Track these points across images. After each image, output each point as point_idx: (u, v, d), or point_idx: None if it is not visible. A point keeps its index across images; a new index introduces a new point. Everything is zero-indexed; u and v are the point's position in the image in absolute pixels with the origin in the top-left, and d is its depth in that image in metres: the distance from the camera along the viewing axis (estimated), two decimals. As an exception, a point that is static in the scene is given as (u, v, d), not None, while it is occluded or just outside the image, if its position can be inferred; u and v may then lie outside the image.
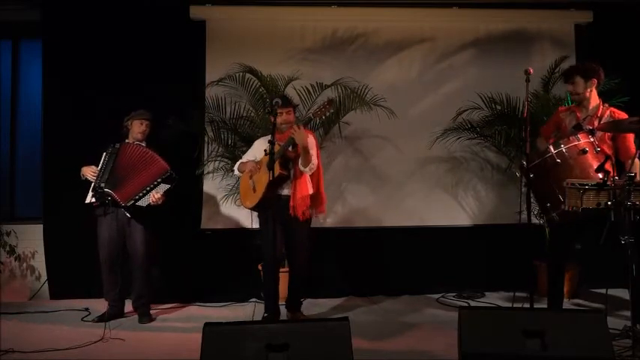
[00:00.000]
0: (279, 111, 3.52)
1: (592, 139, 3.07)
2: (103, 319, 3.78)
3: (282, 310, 3.80)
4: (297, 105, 3.99)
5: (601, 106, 3.37)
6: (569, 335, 2.33)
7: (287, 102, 3.72)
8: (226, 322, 2.20)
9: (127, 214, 3.75)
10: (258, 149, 3.81)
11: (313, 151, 3.62)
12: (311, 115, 3.57)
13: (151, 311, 3.96)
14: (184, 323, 3.82)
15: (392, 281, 4.63)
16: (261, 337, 2.09)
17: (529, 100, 3.40)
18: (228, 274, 4.48)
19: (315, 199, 3.71)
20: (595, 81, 3.36)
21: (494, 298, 4.43)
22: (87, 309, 4.11)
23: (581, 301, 4.30)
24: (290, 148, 3.58)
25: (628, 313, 3.01)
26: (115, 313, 3.86)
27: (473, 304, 4.30)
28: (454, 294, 4.53)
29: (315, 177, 3.72)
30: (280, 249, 3.75)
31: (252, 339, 2.08)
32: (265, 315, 3.64)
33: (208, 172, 4.64)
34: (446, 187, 4.88)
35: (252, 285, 4.30)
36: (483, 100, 4.67)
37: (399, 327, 3.66)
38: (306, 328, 2.26)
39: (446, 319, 3.71)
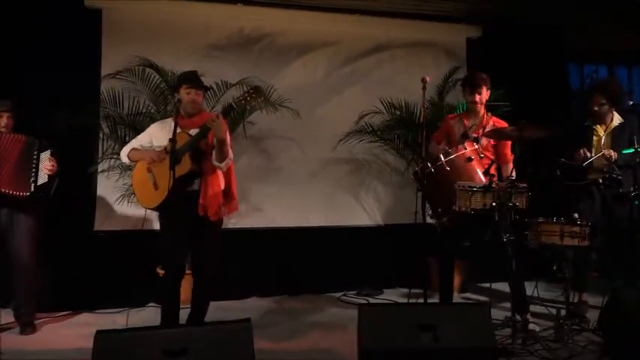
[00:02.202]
0: (187, 89, 3.19)
1: (477, 147, 3.31)
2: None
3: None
4: (209, 88, 3.56)
5: (485, 116, 3.64)
6: (458, 327, 2.49)
7: (198, 81, 3.30)
8: (120, 329, 2.08)
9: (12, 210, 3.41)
10: (156, 135, 3.31)
11: (229, 144, 3.26)
12: (233, 103, 3.16)
13: (37, 321, 3.62)
14: (74, 333, 3.54)
15: (295, 281, 4.66)
16: (158, 343, 2.00)
17: (425, 106, 3.59)
18: (124, 279, 4.21)
19: (226, 196, 3.27)
20: (489, 92, 3.64)
21: (392, 295, 4.61)
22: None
23: (469, 295, 4.62)
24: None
25: (509, 305, 3.27)
26: None
27: (372, 301, 4.45)
28: (355, 292, 4.65)
29: (227, 171, 3.32)
30: (186, 255, 3.38)
31: (147, 345, 1.98)
32: (163, 320, 3.28)
33: (103, 171, 4.36)
34: (348, 189, 5.01)
35: (150, 289, 4.11)
36: (384, 105, 4.87)
37: (301, 326, 3.68)
38: (207, 331, 2.20)
39: (347, 317, 3.77)
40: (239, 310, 4.13)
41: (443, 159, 3.18)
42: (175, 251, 3.14)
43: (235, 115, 4.44)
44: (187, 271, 3.63)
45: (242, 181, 4.71)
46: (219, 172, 3.23)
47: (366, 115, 4.81)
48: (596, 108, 3.80)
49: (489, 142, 3.55)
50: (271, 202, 4.79)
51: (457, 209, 3.11)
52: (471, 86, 3.59)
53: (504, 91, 4.59)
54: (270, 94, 4.45)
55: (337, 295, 4.59)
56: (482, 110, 3.63)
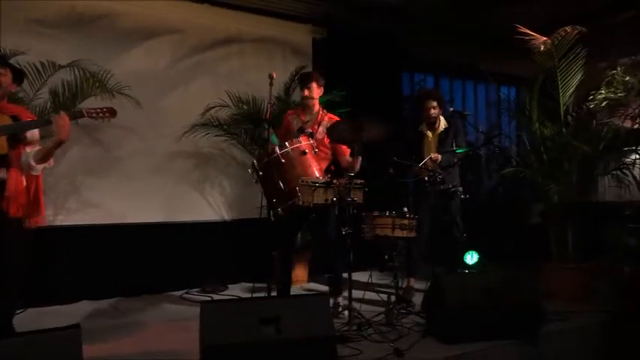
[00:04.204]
0: None
1: (311, 142, 3.44)
2: None
3: None
4: (17, 68, 3.06)
5: (320, 112, 3.83)
6: (299, 318, 2.58)
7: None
8: None
9: None
10: None
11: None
12: (84, 110, 2.91)
13: None
14: None
15: (133, 281, 4.40)
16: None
17: (272, 102, 3.65)
18: None
19: (34, 204, 2.95)
20: (322, 89, 3.81)
21: (236, 290, 4.61)
22: None
23: (312, 286, 4.82)
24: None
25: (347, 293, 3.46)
26: None
27: (216, 297, 4.39)
28: (198, 289, 4.56)
29: (36, 177, 2.97)
30: None
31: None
32: None
33: None
34: (192, 183, 4.89)
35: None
36: (231, 99, 4.83)
37: (138, 328, 3.51)
38: (24, 342, 1.96)
39: (189, 315, 3.68)
40: (68, 315, 3.76)
41: (278, 151, 3.26)
42: None
43: (65, 100, 4.04)
44: None
45: (73, 173, 4.34)
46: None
47: (213, 108, 4.74)
48: (431, 112, 4.22)
49: (325, 137, 3.73)
50: (108, 196, 4.45)
51: (301, 203, 3.21)
52: (301, 82, 3.81)
53: (346, 92, 4.85)
54: (107, 79, 4.14)
55: (179, 293, 4.45)
56: (316, 107, 3.81)
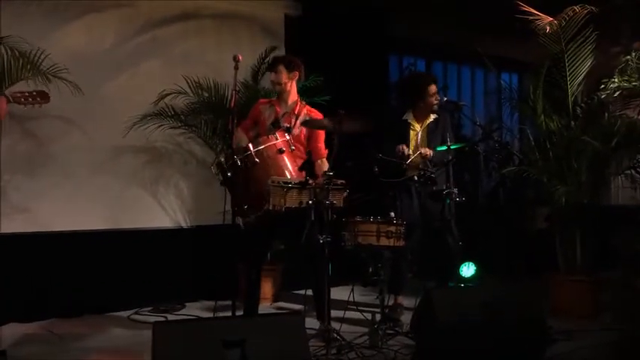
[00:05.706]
0: None
1: (288, 138, 3.48)
2: None
3: None
4: None
5: (299, 104, 3.86)
6: (268, 340, 2.59)
7: None
8: None
9: None
10: None
11: None
12: (9, 95, 2.87)
13: None
14: None
15: (71, 299, 4.37)
16: None
17: (237, 89, 3.66)
18: None
19: None
20: (297, 74, 3.85)
21: (195, 309, 4.61)
22: None
23: (282, 304, 4.84)
24: None
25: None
26: None
27: (171, 317, 4.38)
28: (150, 308, 4.55)
29: None
30: None
31: None
32: None
33: None
34: (143, 184, 4.88)
35: None
36: (189, 85, 4.82)
37: (77, 355, 3.49)
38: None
39: (139, 339, 3.67)
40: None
41: (252, 149, 3.28)
42: None
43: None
44: None
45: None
46: None
47: (168, 95, 4.72)
48: (434, 100, 4.26)
49: (301, 133, 3.77)
50: (40, 200, 4.40)
51: (271, 207, 3.23)
52: (269, 64, 3.87)
53: (324, 77, 4.88)
54: (41, 60, 4.09)
55: (127, 313, 4.44)
56: (292, 96, 3.85)
